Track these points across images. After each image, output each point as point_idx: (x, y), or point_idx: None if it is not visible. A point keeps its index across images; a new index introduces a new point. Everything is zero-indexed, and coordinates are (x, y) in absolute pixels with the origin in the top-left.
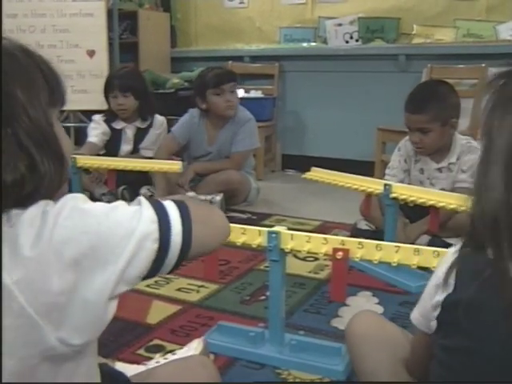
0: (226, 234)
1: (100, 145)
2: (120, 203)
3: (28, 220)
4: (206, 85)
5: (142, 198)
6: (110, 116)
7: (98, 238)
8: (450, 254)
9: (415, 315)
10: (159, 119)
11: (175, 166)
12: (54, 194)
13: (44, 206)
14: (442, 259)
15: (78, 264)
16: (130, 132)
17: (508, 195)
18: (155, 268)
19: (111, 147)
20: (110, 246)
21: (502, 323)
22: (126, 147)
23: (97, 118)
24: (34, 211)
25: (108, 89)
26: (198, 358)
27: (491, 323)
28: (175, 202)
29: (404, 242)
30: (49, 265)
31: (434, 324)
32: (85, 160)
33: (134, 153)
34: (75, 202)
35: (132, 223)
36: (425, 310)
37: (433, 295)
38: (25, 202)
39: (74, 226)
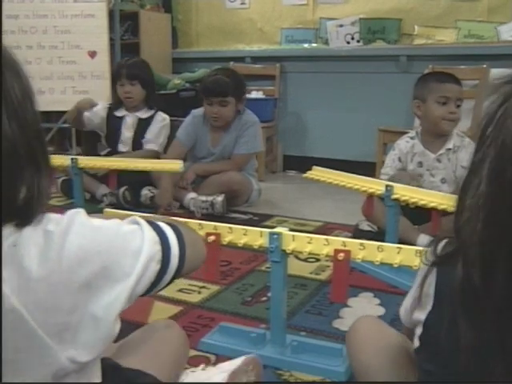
0: (205, 258)
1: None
2: (118, 221)
3: (30, 238)
4: (201, 90)
5: (137, 218)
6: (115, 104)
7: (109, 257)
8: (422, 265)
9: (401, 312)
10: (162, 114)
11: (176, 164)
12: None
13: (45, 224)
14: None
15: (90, 283)
16: (129, 120)
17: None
18: (150, 288)
19: (112, 134)
20: (120, 264)
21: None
22: (126, 134)
23: (100, 106)
24: (34, 228)
25: (116, 77)
26: (164, 322)
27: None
28: (169, 224)
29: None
30: (60, 285)
31: (416, 342)
32: (86, 161)
33: (136, 140)
34: (81, 218)
35: (137, 243)
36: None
37: (413, 306)
38: (31, 217)
39: (87, 245)
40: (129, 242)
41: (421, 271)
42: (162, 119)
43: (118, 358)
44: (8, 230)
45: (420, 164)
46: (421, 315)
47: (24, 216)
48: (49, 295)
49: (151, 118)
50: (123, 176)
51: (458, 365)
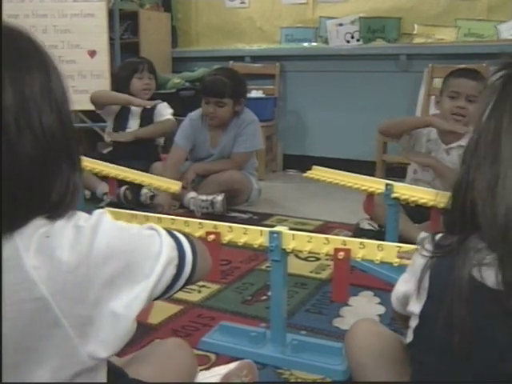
0: (210, 269)
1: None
2: (138, 225)
3: (62, 231)
4: (200, 88)
5: (154, 225)
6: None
7: (132, 257)
8: (418, 258)
9: (393, 297)
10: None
11: (175, 185)
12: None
13: (75, 219)
14: (413, 262)
15: (113, 281)
16: (135, 108)
17: None
18: (164, 292)
19: (119, 124)
20: (140, 266)
21: (479, 341)
22: (133, 122)
23: None
24: (66, 222)
25: (131, 72)
26: (175, 340)
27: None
28: (182, 233)
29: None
30: (86, 278)
31: (410, 336)
32: (86, 162)
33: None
34: (109, 218)
35: (157, 247)
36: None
37: (407, 298)
38: (65, 211)
39: (114, 243)
40: (149, 246)
41: (415, 262)
42: (166, 104)
43: (125, 369)
44: (40, 221)
45: (428, 150)
46: (416, 307)
47: (58, 209)
48: (76, 287)
49: (154, 106)
50: None
51: (451, 352)
